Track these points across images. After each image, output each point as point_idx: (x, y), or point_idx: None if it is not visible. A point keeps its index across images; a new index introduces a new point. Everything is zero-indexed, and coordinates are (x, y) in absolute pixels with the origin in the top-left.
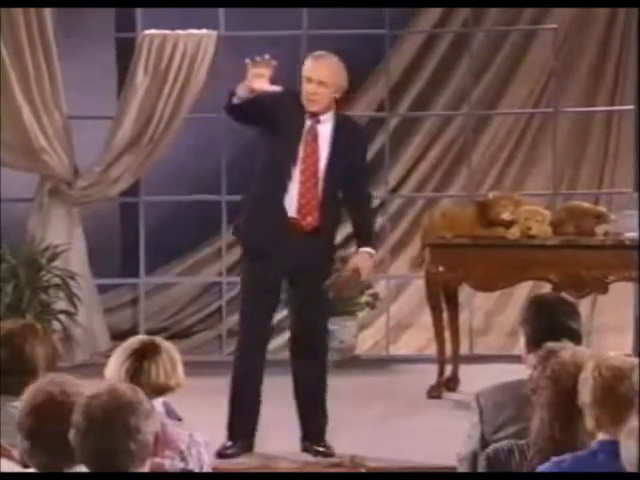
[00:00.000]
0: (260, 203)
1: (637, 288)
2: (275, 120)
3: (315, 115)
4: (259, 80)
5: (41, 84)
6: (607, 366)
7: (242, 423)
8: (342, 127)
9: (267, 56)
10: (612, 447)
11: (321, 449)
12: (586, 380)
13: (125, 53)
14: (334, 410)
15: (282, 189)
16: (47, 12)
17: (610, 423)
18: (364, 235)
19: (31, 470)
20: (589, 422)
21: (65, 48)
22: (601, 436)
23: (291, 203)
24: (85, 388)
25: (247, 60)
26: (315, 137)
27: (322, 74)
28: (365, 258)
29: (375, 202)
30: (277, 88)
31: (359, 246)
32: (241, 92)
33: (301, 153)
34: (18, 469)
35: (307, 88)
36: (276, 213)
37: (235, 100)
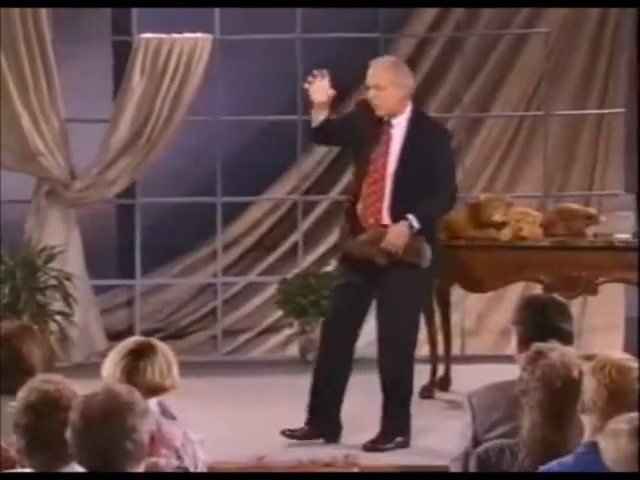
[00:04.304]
0: (345, 210)
1: (638, 289)
2: (356, 135)
3: (388, 119)
4: (319, 93)
5: (39, 90)
6: (612, 366)
7: (312, 408)
8: (416, 126)
9: (320, 72)
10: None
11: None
12: (589, 380)
13: (121, 56)
14: None
15: (356, 193)
16: (44, 18)
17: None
18: (415, 210)
19: (27, 470)
20: (591, 421)
21: (62, 52)
22: (589, 437)
23: (359, 205)
24: (75, 387)
25: (306, 85)
26: (388, 140)
27: (375, 78)
28: (401, 225)
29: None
30: (331, 92)
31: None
32: (314, 116)
33: (372, 156)
34: None
35: (369, 95)
36: (349, 217)
37: (313, 124)
